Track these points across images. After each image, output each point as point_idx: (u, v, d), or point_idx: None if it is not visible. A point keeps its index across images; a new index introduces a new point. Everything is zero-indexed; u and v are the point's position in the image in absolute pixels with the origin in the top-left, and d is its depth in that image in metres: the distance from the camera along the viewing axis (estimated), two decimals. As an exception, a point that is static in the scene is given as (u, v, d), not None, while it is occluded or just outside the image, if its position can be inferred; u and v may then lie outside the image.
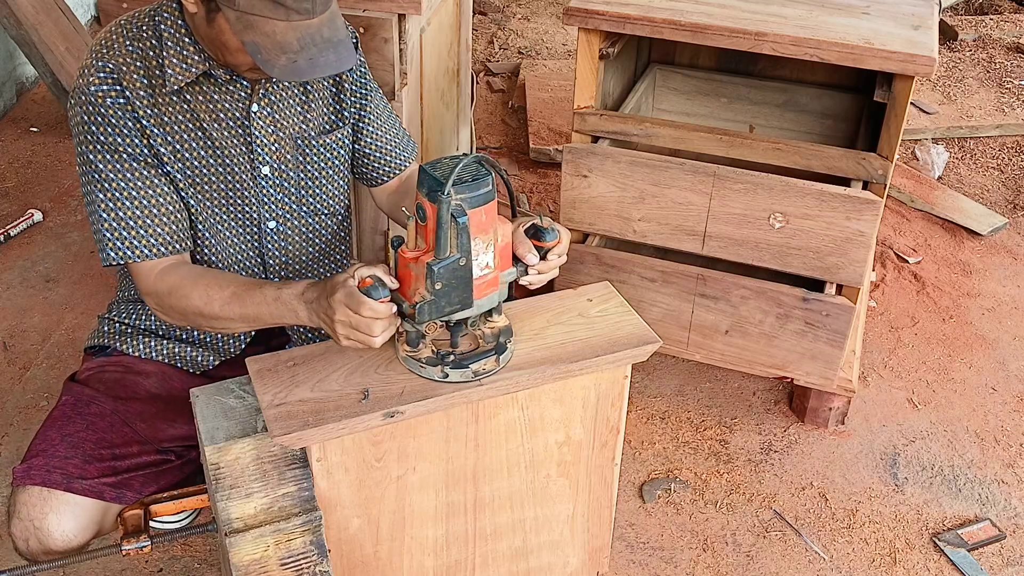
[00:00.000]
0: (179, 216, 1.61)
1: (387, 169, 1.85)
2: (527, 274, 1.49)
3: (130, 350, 1.77)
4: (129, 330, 1.79)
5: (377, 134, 1.81)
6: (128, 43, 1.56)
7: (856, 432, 2.41)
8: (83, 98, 1.54)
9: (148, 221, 1.58)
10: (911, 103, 1.98)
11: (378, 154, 1.83)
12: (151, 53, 1.56)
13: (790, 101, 2.59)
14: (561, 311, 1.61)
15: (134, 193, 1.56)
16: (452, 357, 1.45)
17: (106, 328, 1.81)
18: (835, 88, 2.55)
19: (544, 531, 1.70)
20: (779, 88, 2.59)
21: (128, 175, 1.56)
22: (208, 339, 1.79)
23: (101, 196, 1.56)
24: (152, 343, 1.78)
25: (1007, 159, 3.66)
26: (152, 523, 1.54)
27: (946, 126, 3.78)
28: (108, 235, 1.57)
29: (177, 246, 1.61)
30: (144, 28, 1.57)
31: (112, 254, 1.58)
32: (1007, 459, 2.35)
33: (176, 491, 1.57)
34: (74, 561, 1.59)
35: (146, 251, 1.58)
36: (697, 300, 2.26)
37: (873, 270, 2.96)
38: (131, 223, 1.57)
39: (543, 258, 1.49)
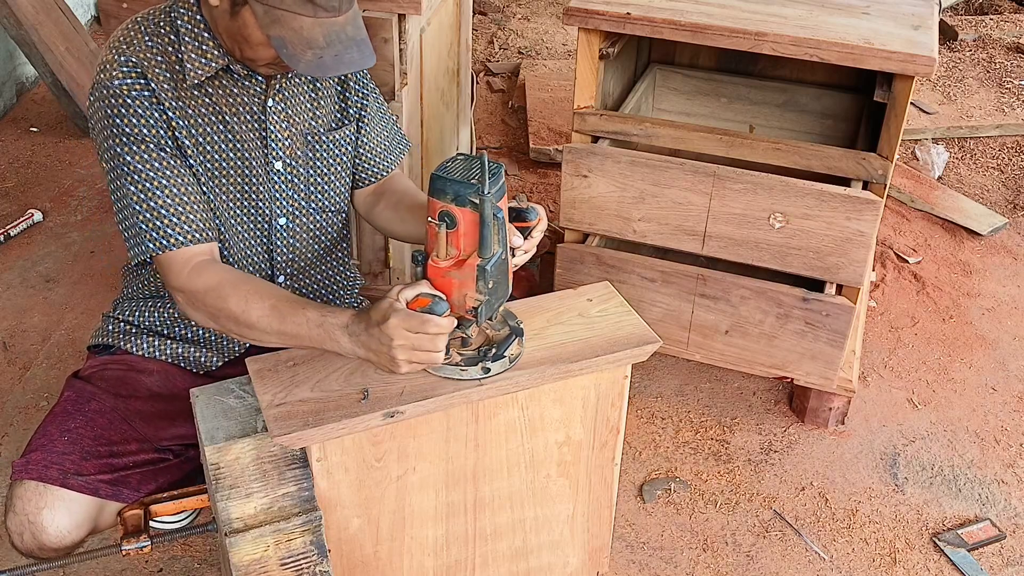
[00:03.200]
0: (206, 205, 1.62)
1: (373, 171, 1.85)
2: (514, 256, 1.51)
3: (134, 349, 1.77)
4: (133, 329, 1.79)
5: (371, 136, 1.82)
6: (147, 39, 1.56)
7: (856, 432, 2.41)
8: (106, 92, 1.54)
9: (181, 208, 1.57)
10: (911, 103, 1.98)
11: (368, 156, 1.83)
12: (170, 48, 1.56)
13: (790, 101, 2.59)
14: (561, 311, 1.61)
15: (164, 182, 1.56)
16: (492, 351, 1.46)
17: (110, 327, 1.81)
18: (835, 88, 2.55)
19: (544, 531, 1.70)
20: (779, 88, 2.59)
21: (157, 164, 1.56)
22: (212, 339, 1.79)
23: (133, 188, 1.55)
24: (156, 342, 1.78)
25: (1007, 159, 3.66)
26: (152, 523, 1.54)
27: (946, 126, 3.78)
28: (144, 226, 1.56)
29: (210, 233, 1.60)
30: (161, 24, 1.58)
31: (151, 245, 1.56)
32: (1007, 459, 2.35)
33: (176, 491, 1.57)
34: (74, 561, 1.59)
35: (182, 238, 1.57)
36: (697, 300, 2.26)
37: (873, 270, 2.96)
38: (164, 212, 1.56)
39: (526, 237, 1.52)
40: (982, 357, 2.68)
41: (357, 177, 1.85)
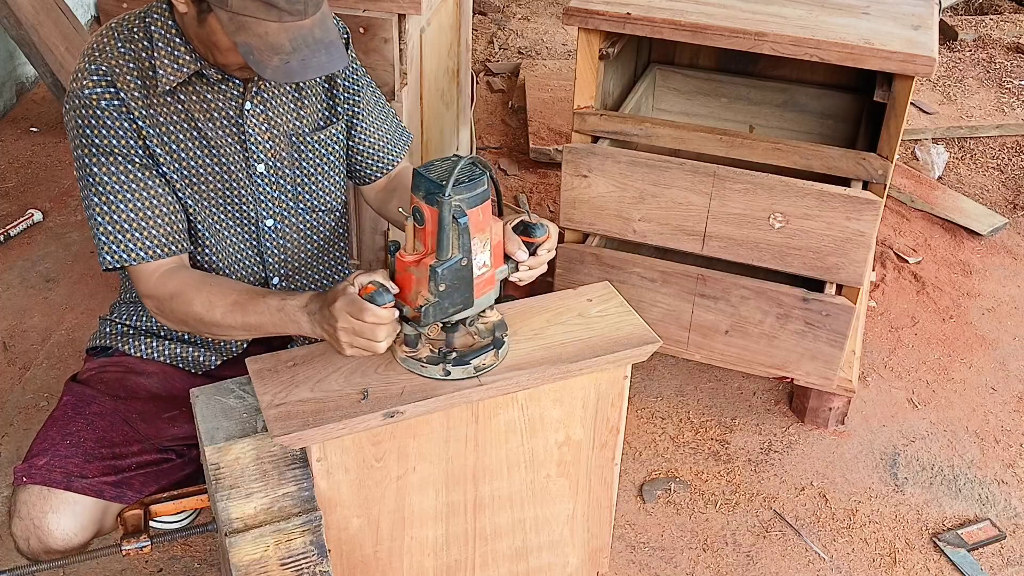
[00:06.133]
0: (175, 218, 1.61)
1: (377, 167, 1.85)
2: (517, 270, 1.50)
3: (132, 351, 1.77)
4: (131, 331, 1.79)
5: (368, 131, 1.81)
6: (120, 45, 1.55)
7: (856, 432, 2.41)
8: (77, 102, 1.54)
9: (143, 223, 1.57)
10: (911, 103, 1.99)
11: (369, 151, 1.83)
12: (143, 55, 1.55)
13: (790, 101, 2.59)
14: (561, 311, 1.61)
15: (128, 196, 1.56)
16: (453, 355, 1.45)
17: (108, 329, 1.81)
18: (835, 88, 2.55)
19: (544, 531, 1.70)
20: (779, 88, 2.59)
21: (122, 177, 1.56)
22: (210, 340, 1.78)
23: (96, 200, 1.56)
24: (154, 344, 1.78)
25: (1007, 159, 3.66)
26: (152, 523, 1.54)
27: (946, 126, 3.78)
28: (104, 238, 1.57)
29: (173, 248, 1.61)
30: (135, 30, 1.56)
31: (109, 257, 1.57)
32: (1007, 459, 2.35)
33: (176, 491, 1.57)
34: (74, 561, 1.59)
35: (142, 253, 1.58)
36: (697, 300, 2.26)
37: (873, 270, 2.96)
38: (126, 226, 1.56)
39: (532, 254, 1.51)
40: (982, 357, 2.68)
41: (363, 173, 1.85)
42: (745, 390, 2.53)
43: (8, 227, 2.99)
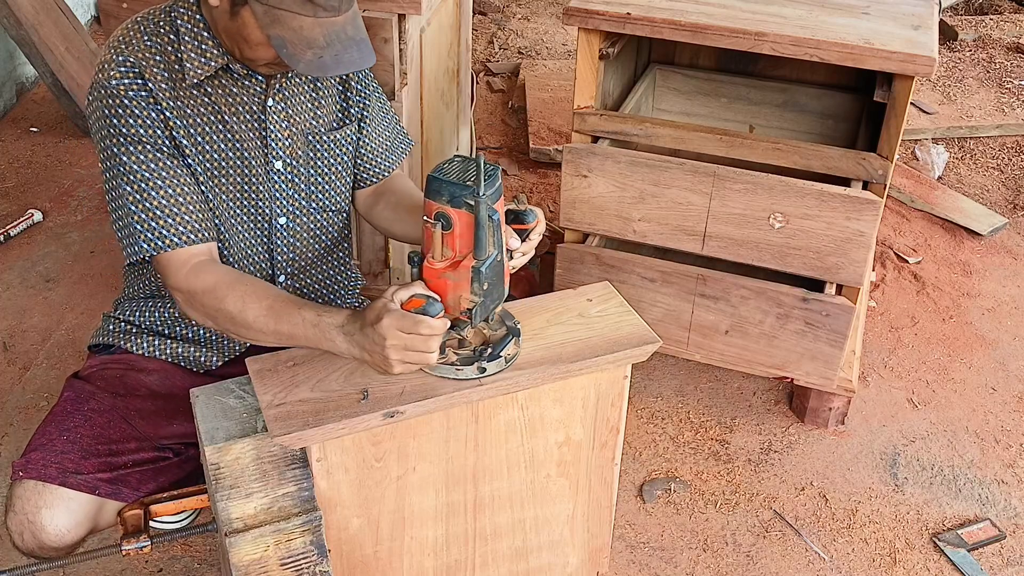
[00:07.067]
0: (203, 206, 1.61)
1: (374, 172, 1.85)
2: (512, 258, 1.51)
3: (134, 348, 1.77)
4: (134, 329, 1.79)
5: (372, 136, 1.82)
6: (146, 38, 1.57)
7: (856, 432, 2.41)
8: (103, 92, 1.54)
9: (177, 209, 1.57)
10: (911, 103, 1.99)
11: (370, 156, 1.83)
12: (169, 48, 1.57)
13: (790, 101, 2.59)
14: (561, 311, 1.61)
15: (160, 183, 1.56)
16: (488, 350, 1.46)
17: (111, 326, 1.81)
18: (835, 88, 2.55)
19: (544, 531, 1.70)
20: (779, 88, 2.59)
21: (153, 165, 1.56)
22: (213, 339, 1.79)
23: (128, 188, 1.56)
24: (156, 342, 1.78)
25: (1007, 159, 3.66)
26: (152, 523, 1.54)
27: (946, 126, 3.78)
28: (139, 227, 1.56)
29: (206, 234, 1.60)
30: (161, 24, 1.58)
31: (145, 245, 1.56)
32: (1007, 459, 2.35)
33: (176, 491, 1.57)
34: (74, 561, 1.59)
35: (177, 239, 1.57)
36: (697, 300, 2.26)
37: (873, 270, 2.96)
38: (159, 212, 1.56)
39: (524, 240, 1.52)
40: (982, 357, 2.68)
41: (358, 177, 1.85)
42: (745, 390, 2.53)
43: (8, 227, 2.99)
